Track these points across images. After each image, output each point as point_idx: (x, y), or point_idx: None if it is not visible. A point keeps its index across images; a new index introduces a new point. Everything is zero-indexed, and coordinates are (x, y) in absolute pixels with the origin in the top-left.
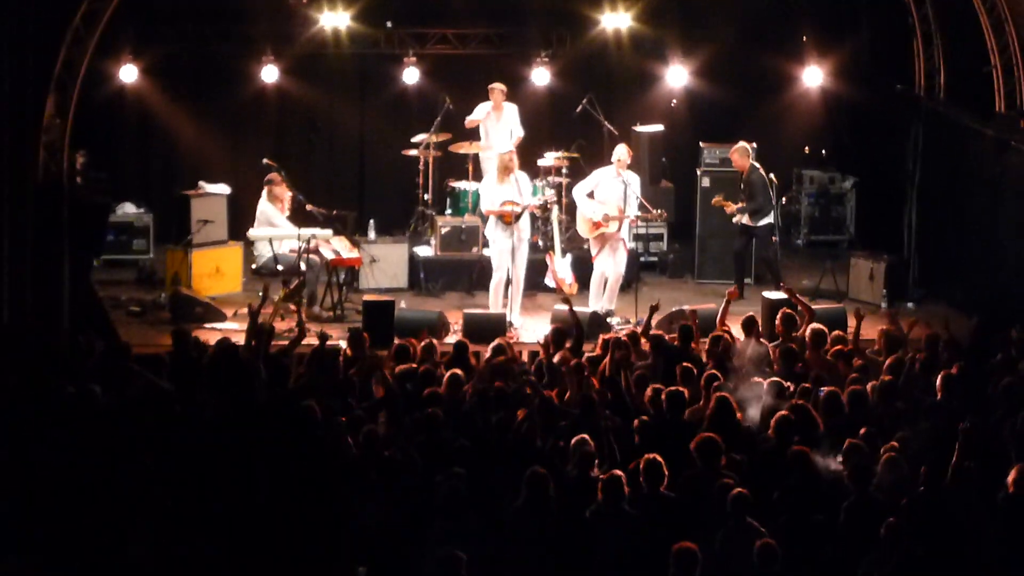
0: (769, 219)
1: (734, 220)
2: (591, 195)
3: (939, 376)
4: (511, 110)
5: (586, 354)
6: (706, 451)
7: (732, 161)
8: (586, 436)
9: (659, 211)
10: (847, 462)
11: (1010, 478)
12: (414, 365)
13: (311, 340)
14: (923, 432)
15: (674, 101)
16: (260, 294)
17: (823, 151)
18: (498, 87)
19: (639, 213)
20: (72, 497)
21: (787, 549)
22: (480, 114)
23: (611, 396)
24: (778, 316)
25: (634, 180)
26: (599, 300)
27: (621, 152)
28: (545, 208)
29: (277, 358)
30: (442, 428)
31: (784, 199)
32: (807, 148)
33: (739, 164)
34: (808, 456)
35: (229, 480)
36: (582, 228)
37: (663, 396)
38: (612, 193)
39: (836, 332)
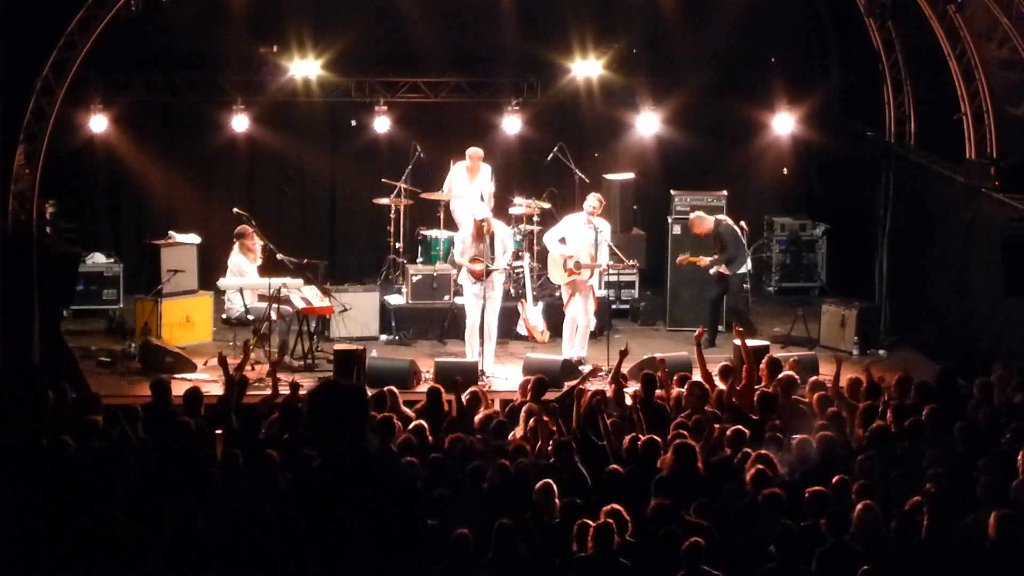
0: (744, 268)
1: (711, 272)
2: (562, 240)
3: (907, 421)
4: (485, 169)
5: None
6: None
7: (693, 229)
8: (550, 482)
9: (632, 261)
10: (819, 511)
11: (991, 524)
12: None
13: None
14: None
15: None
16: (237, 346)
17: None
18: (475, 154)
19: (611, 262)
20: (39, 545)
21: None
22: (457, 178)
23: (582, 444)
24: (763, 362)
25: (605, 227)
26: (571, 346)
27: (592, 201)
28: (516, 256)
29: (250, 409)
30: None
31: (755, 246)
32: (785, 170)
33: (702, 229)
34: (780, 501)
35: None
36: (554, 275)
37: (639, 445)
38: (583, 240)
39: (813, 378)
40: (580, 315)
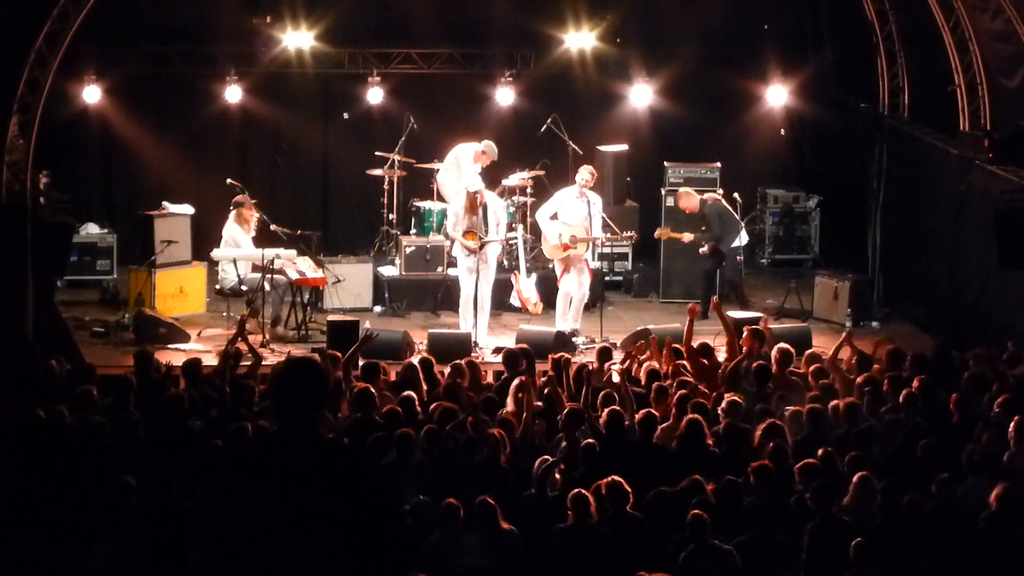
0: (737, 241)
1: (700, 251)
2: (554, 217)
3: (902, 393)
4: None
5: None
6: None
7: (679, 203)
8: (548, 457)
9: (629, 233)
10: (808, 483)
11: (993, 496)
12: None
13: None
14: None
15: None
16: (230, 317)
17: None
18: (491, 150)
19: (606, 235)
20: (36, 516)
21: (753, 568)
22: (464, 157)
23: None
24: (744, 332)
25: (597, 201)
26: (564, 319)
27: (584, 174)
28: (510, 228)
29: (240, 380)
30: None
31: (748, 218)
32: (782, 131)
33: (690, 206)
34: (771, 472)
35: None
36: (547, 250)
37: (638, 418)
38: (576, 214)
39: (809, 351)
40: (574, 289)
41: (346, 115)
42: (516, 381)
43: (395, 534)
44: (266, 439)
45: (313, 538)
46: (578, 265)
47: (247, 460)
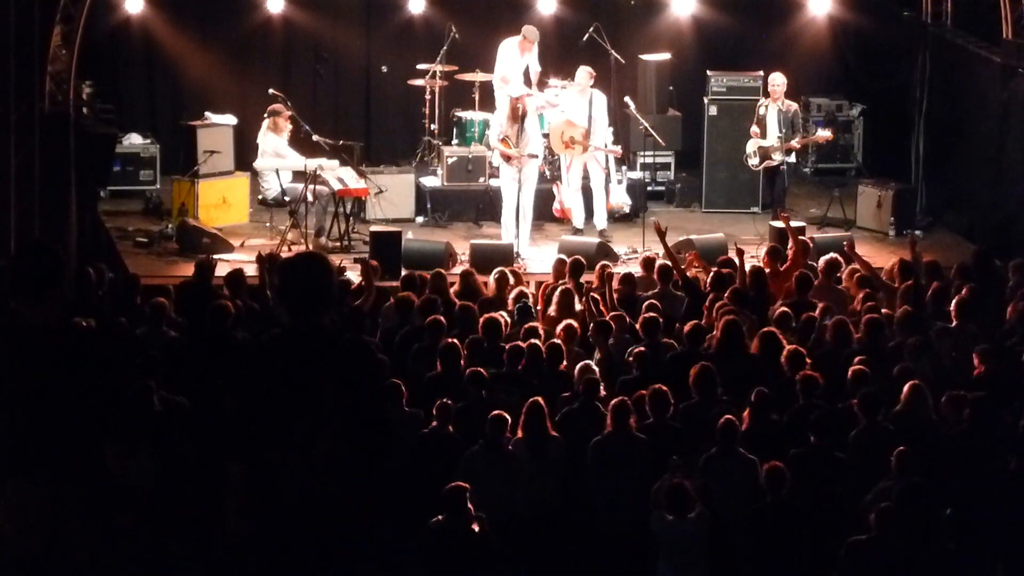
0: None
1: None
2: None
3: (952, 302)
4: (534, 49)
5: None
6: (702, 381)
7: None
8: (590, 363)
9: (613, 147)
10: (856, 390)
11: None
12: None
13: None
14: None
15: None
16: (273, 227)
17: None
18: (531, 32)
19: (600, 147)
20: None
21: (793, 476)
22: (506, 53)
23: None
24: (795, 245)
25: (601, 102)
26: (583, 217)
27: (580, 75)
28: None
29: None
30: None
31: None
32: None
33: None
34: (816, 382)
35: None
36: (556, 142)
37: (687, 330)
38: (578, 114)
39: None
40: (577, 182)
41: (384, 68)
42: (560, 288)
43: (426, 442)
44: (277, 338)
45: (328, 439)
46: (592, 167)
47: (261, 358)
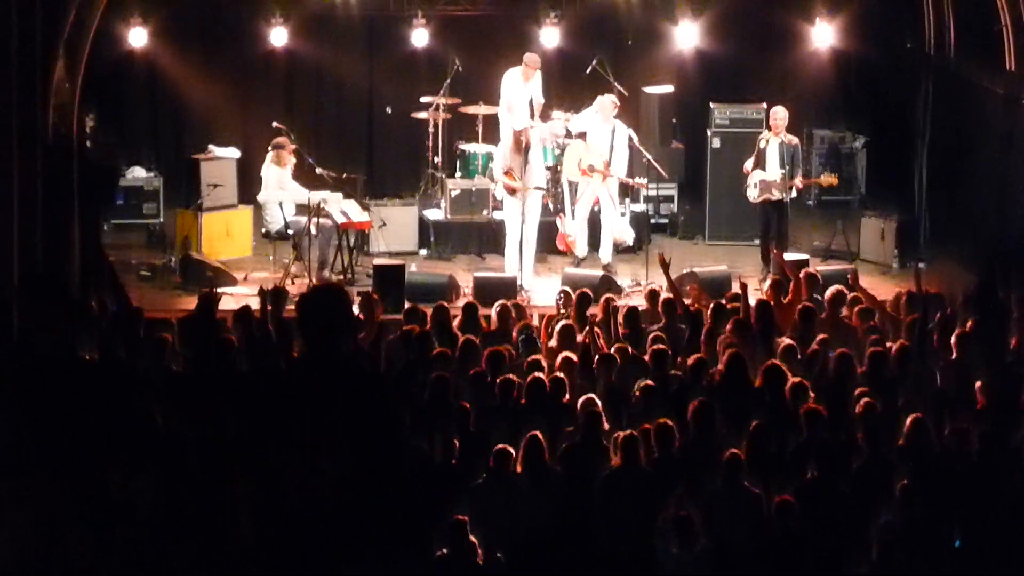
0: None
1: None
2: (582, 136)
3: (954, 334)
4: (538, 77)
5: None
6: (701, 416)
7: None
8: (592, 396)
9: (639, 180)
10: (860, 422)
11: None
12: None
13: None
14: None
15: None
16: (276, 260)
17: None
18: (531, 59)
19: (622, 176)
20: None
21: (798, 507)
22: (510, 83)
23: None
24: (801, 275)
25: (624, 132)
26: (586, 248)
27: (605, 104)
28: (555, 171)
29: (287, 322)
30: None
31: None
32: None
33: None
34: (820, 415)
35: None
36: (568, 169)
37: (690, 363)
38: (600, 141)
39: (855, 293)
40: (584, 213)
41: (389, 109)
42: (561, 323)
43: (429, 471)
44: (294, 365)
45: (336, 463)
46: (603, 197)
47: (276, 386)
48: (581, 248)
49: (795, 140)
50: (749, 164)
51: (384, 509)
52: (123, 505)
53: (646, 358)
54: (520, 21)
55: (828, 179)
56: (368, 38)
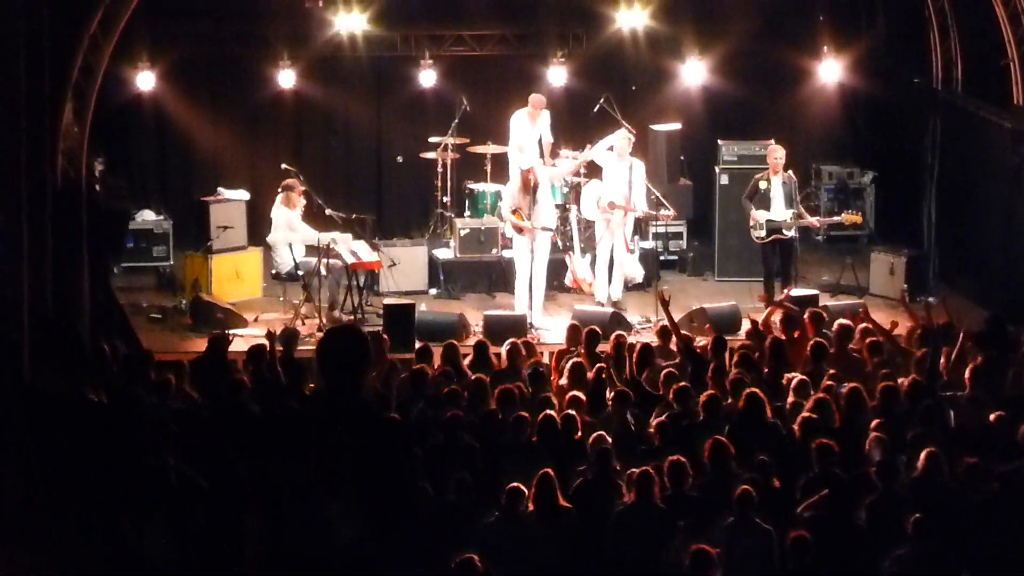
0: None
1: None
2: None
3: (968, 369)
4: (545, 116)
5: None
6: (717, 456)
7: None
8: (603, 433)
9: (667, 212)
10: (872, 456)
11: None
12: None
13: None
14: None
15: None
16: (286, 302)
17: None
18: (537, 100)
19: (647, 210)
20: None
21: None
22: (518, 125)
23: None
24: (807, 314)
25: (640, 168)
26: (604, 288)
27: (619, 141)
28: (564, 209)
29: (298, 363)
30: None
31: (803, 195)
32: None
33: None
34: (832, 450)
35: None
36: (587, 209)
37: (703, 400)
38: (618, 179)
39: (863, 325)
40: (614, 254)
41: (400, 158)
42: (571, 362)
43: (440, 510)
44: (311, 405)
45: (351, 502)
46: (616, 234)
47: (292, 426)
48: (601, 291)
49: (794, 177)
50: (753, 210)
51: (395, 550)
52: (134, 549)
53: (659, 393)
54: (527, 61)
55: (851, 217)
56: (376, 79)
